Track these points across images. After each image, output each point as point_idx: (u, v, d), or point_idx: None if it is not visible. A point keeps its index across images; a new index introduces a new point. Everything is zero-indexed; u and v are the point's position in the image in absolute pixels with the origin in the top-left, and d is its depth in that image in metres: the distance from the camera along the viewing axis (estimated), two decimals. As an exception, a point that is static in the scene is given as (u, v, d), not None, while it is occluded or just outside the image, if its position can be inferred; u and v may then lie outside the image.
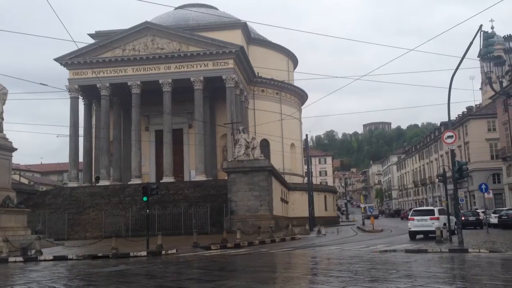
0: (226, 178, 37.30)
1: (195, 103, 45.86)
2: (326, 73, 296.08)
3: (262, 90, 58.43)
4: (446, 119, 22.43)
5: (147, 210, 23.56)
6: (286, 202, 47.92)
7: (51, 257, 19.70)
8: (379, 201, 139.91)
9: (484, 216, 34.08)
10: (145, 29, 47.37)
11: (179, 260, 17.75)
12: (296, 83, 64.85)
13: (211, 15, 53.09)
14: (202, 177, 44.63)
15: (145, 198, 22.55)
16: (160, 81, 46.08)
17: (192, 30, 49.42)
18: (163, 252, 20.35)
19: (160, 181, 43.20)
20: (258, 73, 56.33)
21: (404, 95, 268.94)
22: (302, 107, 68.00)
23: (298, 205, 51.44)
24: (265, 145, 54.90)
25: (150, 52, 46.70)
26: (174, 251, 20.82)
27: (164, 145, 45.83)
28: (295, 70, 68.16)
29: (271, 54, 61.14)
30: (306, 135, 54.98)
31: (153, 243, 21.45)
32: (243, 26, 53.13)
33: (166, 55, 46.42)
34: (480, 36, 20.34)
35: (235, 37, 50.20)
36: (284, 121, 57.56)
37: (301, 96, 66.22)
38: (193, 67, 46.59)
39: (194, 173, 47.16)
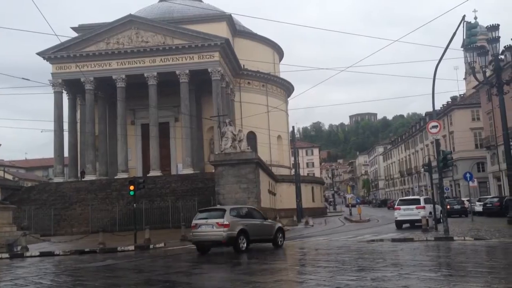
0: (213, 171, 37.24)
1: (181, 96, 45.63)
2: (315, 64, 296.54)
3: (248, 83, 58.32)
4: (431, 109, 22.62)
5: (134, 204, 23.48)
6: (274, 194, 48.03)
7: (37, 253, 19.56)
8: (366, 191, 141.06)
9: (469, 204, 34.54)
10: (129, 22, 46.88)
11: (167, 254, 17.74)
12: (282, 75, 64.92)
13: (196, 8, 52.72)
14: (189, 171, 44.52)
15: (132, 192, 22.46)
16: (145, 75, 45.73)
17: (177, 22, 49.04)
18: (151, 246, 20.32)
19: (147, 175, 43.01)
20: (244, 65, 56.18)
21: (391, 86, 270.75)
22: (288, 99, 68.10)
23: (285, 196, 51.61)
24: (252, 137, 54.87)
25: (135, 45, 46.27)
26: (162, 244, 20.80)
27: (151, 138, 45.59)
28: (281, 62, 68.10)
29: (257, 46, 60.97)
30: (293, 126, 55.21)
31: (140, 237, 21.41)
32: (228, 19, 52.86)
33: (151, 48, 46.03)
34: (464, 27, 20.51)
35: (220, 30, 49.94)
36: (270, 113, 57.55)
37: (287, 88, 66.23)
38: (178, 60, 46.27)
39: (181, 167, 47.03)
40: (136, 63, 46.51)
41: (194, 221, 17.00)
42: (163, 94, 46.61)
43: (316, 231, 29.47)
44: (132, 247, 20.20)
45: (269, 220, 19.50)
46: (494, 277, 8.83)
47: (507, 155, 27.42)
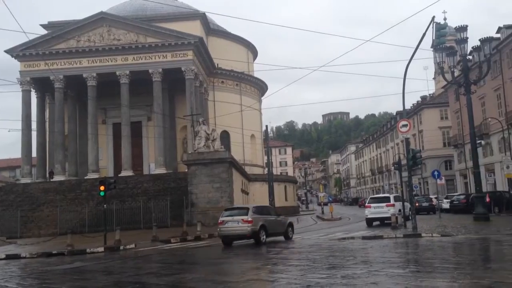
0: (186, 170, 37.03)
1: (154, 95, 45.18)
2: (290, 64, 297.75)
3: (222, 82, 58.18)
4: (402, 109, 22.99)
5: (105, 205, 23.13)
6: (247, 193, 48.07)
7: (3, 256, 19.08)
8: (338, 189, 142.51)
9: (437, 201, 35.28)
10: (101, 19, 46.13)
11: (138, 255, 17.55)
12: (256, 74, 64.96)
13: (169, 6, 52.23)
14: (162, 170, 44.12)
15: (102, 193, 22.12)
16: (117, 73, 45.08)
17: (149, 20, 48.51)
18: (121, 247, 20.06)
19: (119, 175, 42.41)
20: (217, 64, 56.00)
21: (363, 85, 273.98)
22: (262, 98, 68.23)
23: (258, 195, 51.69)
24: (225, 136, 54.76)
25: (106, 43, 45.54)
26: (133, 246, 20.57)
27: (123, 138, 44.97)
28: (255, 61, 68.17)
29: (231, 45, 60.84)
30: (266, 126, 55.25)
31: (111, 239, 21.10)
32: (202, 17, 52.60)
33: (123, 46, 45.40)
34: (433, 28, 20.93)
35: (194, 28, 49.64)
36: (244, 112, 57.57)
37: (261, 87, 66.34)
38: (151, 59, 45.81)
39: (153, 166, 46.55)
40: (108, 61, 45.79)
41: (221, 218, 19.49)
42: (135, 93, 46.05)
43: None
44: (101, 249, 19.89)
45: (282, 217, 22.28)
46: (460, 273, 9.04)
47: (474, 153, 28.13)
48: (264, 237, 19.26)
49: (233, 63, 54.78)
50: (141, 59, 45.75)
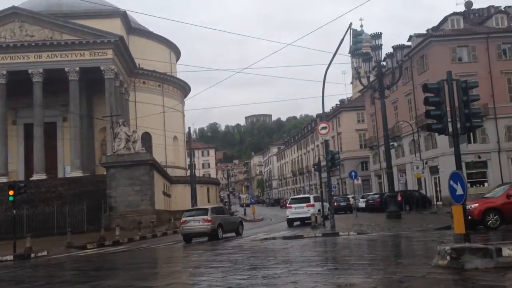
0: (105, 173, 35.75)
1: (71, 95, 43.19)
2: (215, 65, 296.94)
3: (144, 82, 56.86)
4: (322, 111, 23.61)
5: (14, 211, 21.70)
6: (169, 196, 47.31)
7: None
8: (260, 191, 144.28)
9: (354, 201, 36.76)
10: (13, 14, 43.37)
11: (51, 263, 16.61)
12: (179, 75, 64.21)
13: (87, 2, 50.11)
14: (78, 173, 42.25)
15: (11, 198, 20.69)
16: (30, 71, 42.59)
17: (66, 17, 46.24)
18: (33, 255, 18.87)
19: (30, 179, 40.05)
20: (139, 64, 54.64)
21: (286, 88, 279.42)
22: (185, 100, 67.51)
23: (181, 198, 51.03)
24: (147, 138, 53.55)
25: (18, 39, 42.90)
26: (45, 253, 19.44)
27: (35, 140, 42.53)
28: (178, 62, 67.32)
29: (153, 45, 59.61)
30: (189, 127, 54.71)
31: (21, 246, 19.80)
32: (123, 15, 51.07)
33: (36, 43, 42.98)
34: (350, 34, 21.72)
35: (114, 26, 48.05)
36: (166, 113, 56.61)
37: (183, 88, 65.62)
38: (67, 57, 43.78)
39: (69, 169, 44.43)
40: (20, 58, 43.19)
41: (183, 218, 21.66)
42: (50, 92, 43.75)
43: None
44: (10, 257, 18.62)
45: (233, 216, 26.35)
46: (374, 269, 9.43)
47: (387, 155, 29.66)
48: (221, 233, 21.59)
49: (155, 64, 53.71)
50: (57, 57, 43.61)
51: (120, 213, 33.09)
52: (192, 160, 50.17)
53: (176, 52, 66.38)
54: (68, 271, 14.10)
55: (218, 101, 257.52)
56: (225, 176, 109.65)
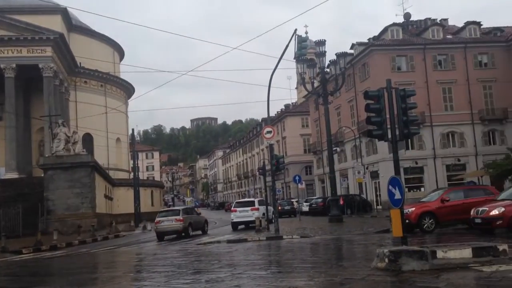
0: (42, 175, 34.35)
1: (6, 93, 41.27)
2: (161, 67, 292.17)
3: (85, 82, 55.20)
4: (267, 116, 23.82)
5: None
6: (111, 199, 46.12)
7: None
8: (205, 194, 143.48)
9: (298, 205, 37.30)
10: None
11: (-17, 269, 15.74)
12: (123, 76, 62.81)
13: (26, -3, 48.14)
14: (13, 175, 40.34)
15: None
16: (-39, 67, 40.36)
17: (2, 11, 44.09)
18: (-37, 261, 17.82)
19: (-40, 181, 37.85)
20: (80, 63, 52.98)
21: (232, 91, 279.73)
22: (128, 101, 66.12)
23: (123, 201, 49.91)
24: (88, 139, 52.00)
25: None
26: (-23, 258, 18.41)
27: (-34, 139, 40.29)
28: (121, 62, 65.87)
29: (96, 44, 58.02)
30: (133, 129, 53.70)
31: (-51, 252, 18.66)
32: (64, 12, 49.35)
33: (-32, 37, 40.77)
34: (295, 40, 22.08)
35: (54, 23, 46.33)
36: (109, 114, 55.19)
37: (127, 89, 64.26)
38: (3, 53, 41.84)
39: (3, 171, 42.30)
40: (-50, 53, 40.77)
41: (158, 219, 24.35)
42: (-17, 90, 41.59)
43: (154, 235, 28.94)
44: None
45: (201, 216, 29.02)
46: (316, 271, 9.61)
47: (330, 160, 30.34)
48: (191, 231, 24.35)
49: (98, 63, 52.30)
50: (-8, 53, 41.55)
51: (58, 217, 31.89)
52: (136, 162, 49.29)
53: (120, 52, 64.93)
54: (2, 277, 13.41)
55: (163, 103, 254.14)
56: (170, 179, 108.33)
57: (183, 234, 23.96)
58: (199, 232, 25.85)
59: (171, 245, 19.73)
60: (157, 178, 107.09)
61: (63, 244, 23.10)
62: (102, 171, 40.95)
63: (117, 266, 14.60)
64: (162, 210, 29.40)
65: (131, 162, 57.05)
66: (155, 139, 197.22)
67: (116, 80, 59.70)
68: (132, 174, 55.10)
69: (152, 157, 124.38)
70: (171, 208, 32.19)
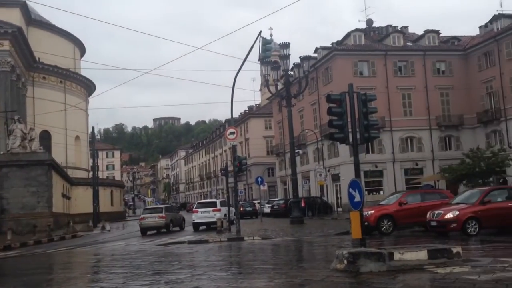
0: (-4, 173, 33.13)
1: (-42, 86, 39.61)
2: (125, 65, 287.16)
3: (44, 77, 53.62)
4: (230, 117, 23.81)
5: None
6: (68, 198, 44.99)
7: None
8: (166, 194, 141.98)
9: (259, 206, 37.42)
10: None
11: None
12: (84, 72, 61.33)
13: (-18, -12, 46.36)
14: (-35, 172, 38.73)
15: None
16: None
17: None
18: None
19: None
20: (39, 58, 51.45)
21: (195, 91, 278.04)
22: (89, 98, 64.67)
23: (81, 200, 48.78)
24: (46, 137, 50.49)
25: None
26: None
27: None
28: (82, 59, 64.35)
29: (55, 39, 56.45)
30: (93, 127, 52.58)
31: None
32: (23, 5, 47.83)
33: None
34: (260, 42, 22.17)
35: (13, 16, 44.89)
36: (68, 111, 53.80)
37: (88, 86, 62.82)
38: (-45, 45, 40.15)
39: (-46, 167, 40.60)
40: None
41: (142, 215, 27.76)
42: None
43: (113, 236, 28.49)
44: None
45: (179, 214, 31.73)
46: (276, 273, 9.66)
47: (292, 161, 30.59)
48: (172, 227, 27.38)
49: (58, 59, 50.86)
50: None
51: (13, 216, 30.81)
52: (95, 161, 48.26)
53: (81, 48, 63.47)
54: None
55: (125, 102, 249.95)
56: (131, 178, 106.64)
57: (164, 229, 26.78)
58: (178, 228, 28.42)
59: (130, 246, 19.41)
60: (118, 177, 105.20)
61: (17, 244, 22.36)
62: (59, 169, 39.90)
63: (74, 267, 14.25)
64: (147, 207, 34.39)
65: (91, 161, 55.77)
66: (116, 138, 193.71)
67: (76, 77, 58.29)
68: (91, 173, 53.91)
69: (113, 156, 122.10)
70: (154, 206, 36.69)
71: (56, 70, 53.96)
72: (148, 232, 26.85)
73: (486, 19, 50.68)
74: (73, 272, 12.77)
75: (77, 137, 58.08)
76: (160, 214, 26.82)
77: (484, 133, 41.33)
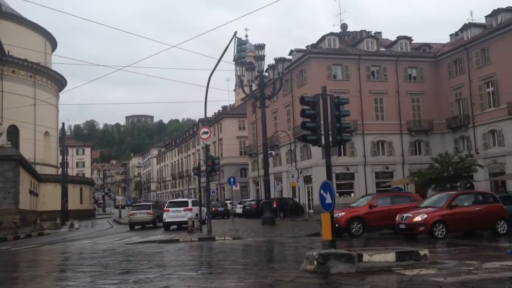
0: (-40, 167, 32.18)
1: None
2: (97, 61, 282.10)
3: (13, 71, 52.29)
4: (204, 116, 23.70)
5: None
6: (36, 195, 44.04)
7: None
8: (138, 193, 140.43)
9: (231, 206, 37.39)
10: None
11: None
12: (55, 67, 60.10)
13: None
14: None
15: None
16: None
17: None
18: None
19: None
20: (8, 51, 50.15)
21: (170, 90, 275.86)
22: (60, 94, 63.40)
23: (50, 198, 47.82)
24: (13, 132, 49.26)
25: None
26: None
27: None
28: (54, 53, 63.02)
29: (26, 32, 55.14)
30: (63, 123, 51.59)
31: None
32: (-9, -4, 46.60)
33: None
34: (235, 42, 22.16)
35: (-19, 7, 43.66)
36: (38, 106, 52.61)
37: (59, 82, 61.57)
38: None
39: None
40: None
41: (131, 212, 30.78)
42: None
43: (82, 234, 28.03)
44: None
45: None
46: (247, 273, 9.67)
47: (265, 162, 30.66)
48: (158, 223, 29.87)
49: (28, 53, 49.71)
50: None
51: (-24, 213, 30.01)
52: (65, 158, 47.37)
53: (52, 42, 62.17)
54: None
55: (97, 98, 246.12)
56: (101, 176, 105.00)
57: (151, 225, 29.64)
58: (162, 224, 29.08)
59: (99, 245, 19.12)
60: (88, 175, 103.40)
61: (-20, 241, 21.77)
62: (27, 165, 39.03)
63: (40, 265, 13.94)
64: (135, 204, 39.19)
65: (60, 157, 54.68)
66: (87, 135, 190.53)
67: (46, 71, 57.07)
68: (60, 170, 52.87)
69: (83, 153, 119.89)
70: (143, 203, 40.18)
71: (26, 64, 52.73)
72: (134, 227, 29.08)
73: (457, 28, 51.89)
74: (39, 270, 12.49)
75: (46, 133, 56.88)
76: (148, 211, 29.54)
77: (453, 139, 42.30)
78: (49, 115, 57.71)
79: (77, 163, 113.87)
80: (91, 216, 59.40)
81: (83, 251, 16.66)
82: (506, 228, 17.22)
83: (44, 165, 54.82)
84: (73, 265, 12.98)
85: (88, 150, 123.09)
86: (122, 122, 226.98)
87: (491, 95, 38.57)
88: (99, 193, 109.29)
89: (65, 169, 46.63)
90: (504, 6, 39.94)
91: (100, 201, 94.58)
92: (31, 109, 51.24)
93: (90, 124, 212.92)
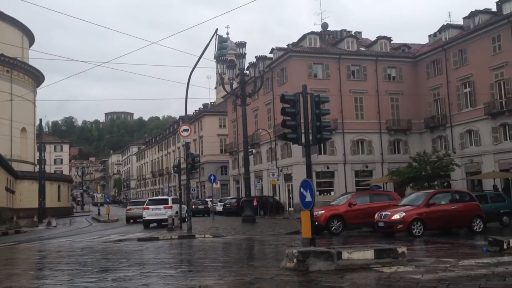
0: None
1: None
2: (76, 56, 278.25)
3: (-11, 66, 51.24)
4: (184, 114, 23.60)
5: None
6: (13, 192, 43.28)
7: None
8: (117, 190, 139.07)
9: (212, 204, 37.31)
10: None
11: None
12: (32, 62, 59.01)
13: None
14: None
15: None
16: None
17: None
18: None
19: None
20: (-16, 45, 49.08)
21: (150, 87, 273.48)
22: (37, 89, 62.31)
23: (27, 195, 47.03)
24: (-11, 128, 48.31)
25: None
26: None
27: None
28: (31, 48, 61.88)
29: (2, 26, 54.05)
30: (40, 119, 50.69)
31: None
32: (-32, -12, 45.52)
33: None
34: (216, 39, 22.08)
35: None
36: (14, 102, 51.61)
37: (36, 77, 60.50)
38: None
39: None
40: None
41: (129, 207, 34.37)
42: None
43: (59, 232, 27.65)
44: None
45: None
46: (227, 271, 9.68)
47: (246, 160, 30.67)
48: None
49: (4, 47, 48.71)
50: None
51: (-50, 210, 29.36)
52: (43, 155, 46.64)
53: (29, 37, 61.06)
54: None
55: (76, 95, 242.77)
56: (79, 173, 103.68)
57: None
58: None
59: (77, 243, 18.89)
60: (66, 172, 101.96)
61: (-46, 239, 21.30)
62: (3, 162, 38.33)
63: (17, 263, 13.71)
64: (132, 200, 41.06)
65: (38, 154, 53.77)
66: (66, 132, 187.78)
67: (23, 66, 56.03)
68: (38, 166, 52.01)
69: (61, 150, 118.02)
70: (139, 200, 43.45)
71: (2, 59, 51.72)
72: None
73: (435, 29, 52.65)
74: (16, 268, 12.28)
75: (23, 129, 55.87)
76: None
77: (431, 138, 42.91)
78: (26, 111, 56.68)
79: (55, 160, 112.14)
80: (69, 214, 58.64)
81: (61, 249, 16.45)
82: (482, 226, 17.56)
83: (21, 162, 53.88)
84: (51, 263, 12.81)
85: (66, 147, 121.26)
86: (101, 119, 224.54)
87: (468, 96, 39.24)
88: (77, 190, 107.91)
89: (43, 166, 45.89)
90: (481, 8, 40.71)
91: (79, 199, 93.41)
92: (7, 105, 50.26)
93: (69, 121, 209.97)
